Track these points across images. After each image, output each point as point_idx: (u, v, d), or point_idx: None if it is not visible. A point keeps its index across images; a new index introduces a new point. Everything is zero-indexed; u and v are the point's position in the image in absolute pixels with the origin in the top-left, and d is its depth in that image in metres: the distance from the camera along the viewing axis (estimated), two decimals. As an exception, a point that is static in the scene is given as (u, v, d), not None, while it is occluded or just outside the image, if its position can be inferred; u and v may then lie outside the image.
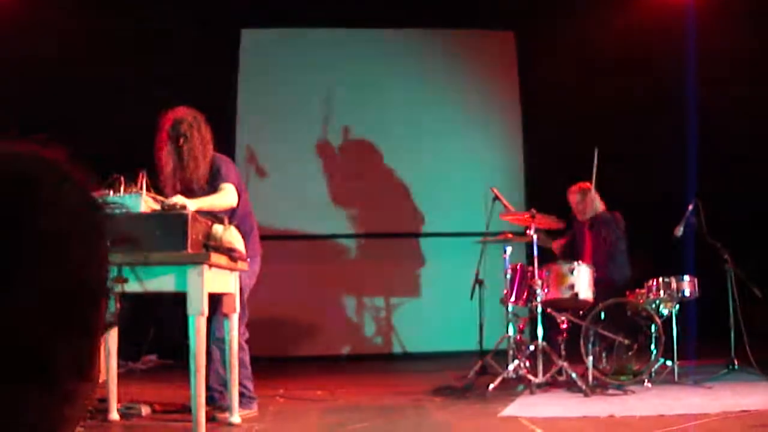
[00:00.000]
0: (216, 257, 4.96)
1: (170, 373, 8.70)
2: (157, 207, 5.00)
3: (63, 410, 0.92)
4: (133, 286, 4.60)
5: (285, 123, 11.12)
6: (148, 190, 5.07)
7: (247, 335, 6.23)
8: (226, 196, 5.95)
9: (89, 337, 0.95)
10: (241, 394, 6.01)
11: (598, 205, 8.41)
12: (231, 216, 5.98)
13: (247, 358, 6.17)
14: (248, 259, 6.09)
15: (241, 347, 6.06)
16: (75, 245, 0.94)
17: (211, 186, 6.04)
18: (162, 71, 10.15)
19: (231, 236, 5.27)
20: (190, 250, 4.73)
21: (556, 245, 8.58)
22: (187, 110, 6.21)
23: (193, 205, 5.27)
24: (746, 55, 10.19)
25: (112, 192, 4.93)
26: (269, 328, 9.56)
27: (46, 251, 0.90)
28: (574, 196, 8.48)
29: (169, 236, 4.71)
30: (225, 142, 10.82)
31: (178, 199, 5.29)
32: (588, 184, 8.41)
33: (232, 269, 5.50)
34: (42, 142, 1.01)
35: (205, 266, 4.76)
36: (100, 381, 6.36)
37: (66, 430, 0.94)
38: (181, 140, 6.03)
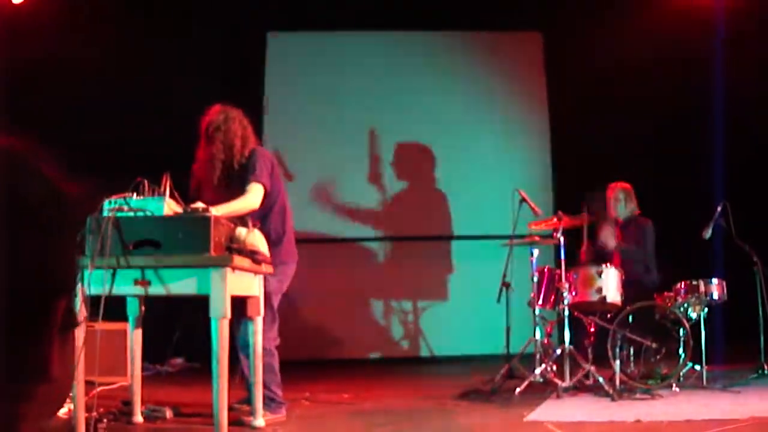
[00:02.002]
0: (239, 260, 4.96)
1: (197, 376, 8.72)
2: (180, 210, 4.99)
3: (13, 411, 0.88)
4: (156, 289, 4.68)
5: (312, 126, 11.13)
6: (171, 193, 5.07)
7: (278, 341, 6.22)
8: (248, 199, 5.89)
9: (45, 336, 0.90)
10: (271, 399, 6.03)
11: (634, 207, 8.40)
12: (264, 218, 6.05)
13: (276, 364, 6.16)
14: (283, 264, 6.14)
15: (270, 352, 6.08)
16: (31, 239, 0.89)
17: (242, 179, 6.03)
18: (189, 75, 10.18)
19: (254, 239, 5.26)
20: (212, 253, 4.72)
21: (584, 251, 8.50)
22: (219, 109, 6.26)
23: (215, 212, 5.26)
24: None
25: (135, 195, 4.94)
26: (296, 331, 9.56)
27: None
28: (613, 192, 8.47)
29: (192, 239, 4.71)
30: (252, 146, 10.86)
31: (200, 205, 5.29)
32: (626, 184, 8.41)
33: (255, 272, 5.49)
34: (3, 130, 0.96)
35: (228, 269, 4.75)
36: (126, 383, 6.38)
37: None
38: (209, 141, 6.12)
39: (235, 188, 5.98)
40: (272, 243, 5.97)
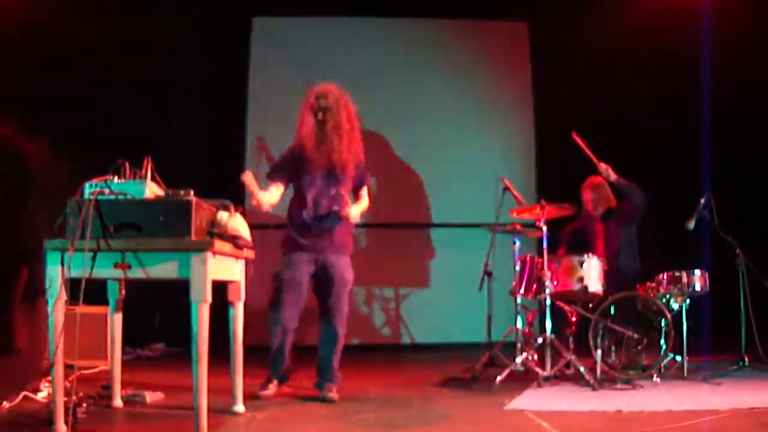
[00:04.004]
0: (220, 244, 4.92)
1: (177, 360, 8.69)
2: (161, 193, 4.95)
3: None
4: (136, 273, 4.64)
5: (296, 112, 11.04)
6: (152, 176, 5.03)
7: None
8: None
9: (4, 305, 0.84)
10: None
11: (610, 199, 8.39)
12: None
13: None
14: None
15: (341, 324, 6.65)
16: None
17: (356, 183, 6.63)
18: (173, 59, 10.12)
19: (236, 223, 5.22)
20: (193, 237, 4.68)
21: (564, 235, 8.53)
22: (334, 86, 6.54)
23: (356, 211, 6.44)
24: (762, 48, 10.11)
25: (116, 178, 4.90)
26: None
27: None
28: (587, 192, 8.45)
29: (173, 223, 4.67)
30: (235, 132, 10.83)
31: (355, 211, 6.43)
32: (600, 179, 8.38)
33: (236, 257, 5.46)
34: None
35: (209, 253, 4.72)
36: (106, 368, 6.33)
37: None
38: (323, 114, 6.37)
39: (336, 172, 6.46)
40: None
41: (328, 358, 6.53)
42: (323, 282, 6.52)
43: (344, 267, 6.52)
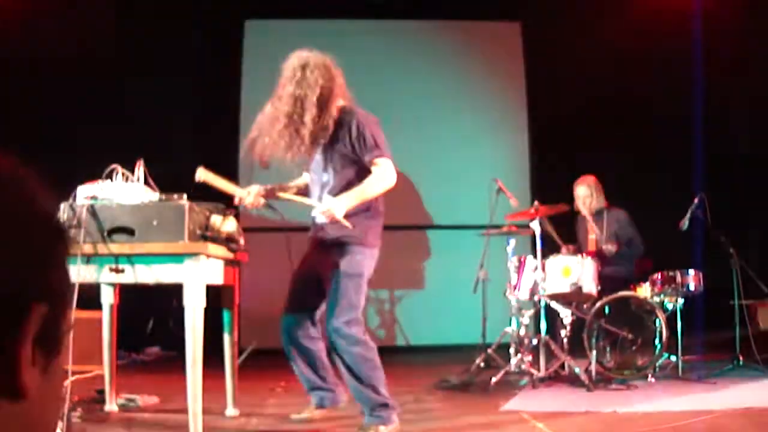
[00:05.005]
0: (214, 248, 4.92)
1: (172, 364, 8.67)
2: (154, 197, 4.94)
3: None
4: (130, 277, 4.62)
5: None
6: (145, 180, 5.03)
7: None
8: (382, 179, 5.47)
9: (7, 342, 0.80)
10: (382, 405, 5.20)
11: (602, 199, 8.38)
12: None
13: (377, 357, 5.27)
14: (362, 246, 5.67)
15: (362, 343, 5.32)
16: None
17: (338, 148, 5.46)
18: (165, 62, 10.11)
19: (229, 227, 5.21)
20: (187, 241, 4.68)
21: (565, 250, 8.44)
22: (291, 60, 5.81)
23: (343, 205, 5.23)
24: (753, 48, 10.14)
25: (109, 182, 4.90)
26: (273, 320, 9.51)
27: None
28: (580, 189, 8.44)
29: (167, 226, 4.67)
30: (228, 134, 10.81)
31: (328, 205, 5.27)
32: (593, 177, 8.38)
33: (230, 260, 5.45)
34: None
35: (203, 257, 4.71)
36: (101, 372, 6.31)
37: None
38: (275, 103, 5.64)
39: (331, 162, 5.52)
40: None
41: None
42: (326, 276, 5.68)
43: (341, 257, 5.68)
